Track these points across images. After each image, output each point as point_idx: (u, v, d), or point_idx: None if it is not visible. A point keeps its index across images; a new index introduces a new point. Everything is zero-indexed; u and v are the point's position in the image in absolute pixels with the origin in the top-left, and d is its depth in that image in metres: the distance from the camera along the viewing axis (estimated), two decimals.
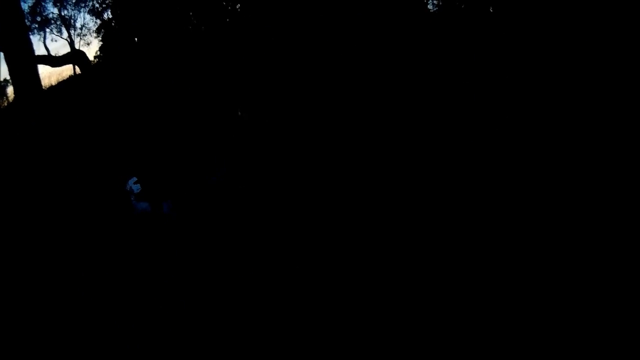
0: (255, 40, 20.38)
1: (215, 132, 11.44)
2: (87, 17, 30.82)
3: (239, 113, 14.05)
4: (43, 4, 30.92)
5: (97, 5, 30.07)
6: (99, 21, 29.67)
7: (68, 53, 29.18)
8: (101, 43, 29.44)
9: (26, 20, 28.15)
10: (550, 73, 10.66)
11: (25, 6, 29.96)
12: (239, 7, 27.02)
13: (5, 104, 30.66)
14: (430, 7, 17.75)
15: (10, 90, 31.68)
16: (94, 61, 29.51)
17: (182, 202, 6.90)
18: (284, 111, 12.74)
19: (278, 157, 8.84)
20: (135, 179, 8.21)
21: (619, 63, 9.97)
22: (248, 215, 6.36)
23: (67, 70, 30.89)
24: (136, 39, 29.48)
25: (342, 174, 7.73)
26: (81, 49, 28.24)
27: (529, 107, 9.26)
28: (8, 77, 27.96)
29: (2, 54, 19.06)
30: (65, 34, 31.81)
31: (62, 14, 30.92)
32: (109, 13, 30.10)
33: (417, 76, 12.63)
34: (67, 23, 30.84)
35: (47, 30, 31.24)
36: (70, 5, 30.72)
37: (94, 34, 30.66)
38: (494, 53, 12.79)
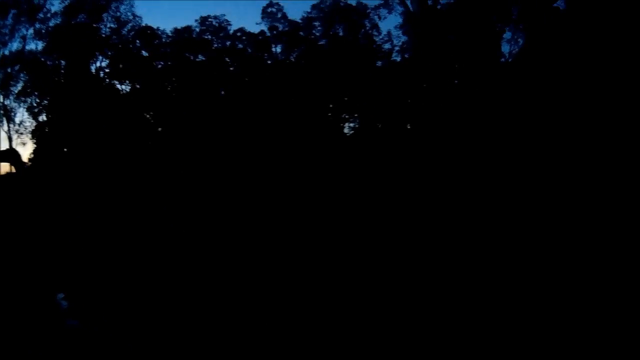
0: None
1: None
2: (26, 114, 30.83)
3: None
4: None
5: (34, 104, 31.58)
6: (34, 122, 31.23)
7: (4, 150, 29.95)
8: (35, 146, 30.73)
9: None
10: None
11: None
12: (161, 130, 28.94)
13: None
14: None
15: None
16: (27, 163, 30.73)
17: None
18: None
19: None
20: (62, 294, 7.91)
21: None
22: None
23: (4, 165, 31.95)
24: (65, 149, 30.34)
25: None
26: (17, 147, 31.41)
27: None
28: None
29: None
30: (5, 127, 32.02)
31: (6, 103, 31.86)
32: (44, 116, 31.55)
33: None
34: (8, 115, 31.94)
35: None
36: (12, 96, 31.85)
37: (29, 135, 31.59)
38: None
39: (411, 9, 29.00)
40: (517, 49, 27.81)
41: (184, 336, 5.44)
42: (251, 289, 7.26)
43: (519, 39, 28.38)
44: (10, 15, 32.94)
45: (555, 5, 22.25)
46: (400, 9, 29.13)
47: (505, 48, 30.04)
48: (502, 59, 27.41)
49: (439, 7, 28.51)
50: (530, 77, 20.88)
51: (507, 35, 26.42)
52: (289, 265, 8.50)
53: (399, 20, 30.25)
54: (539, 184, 13.78)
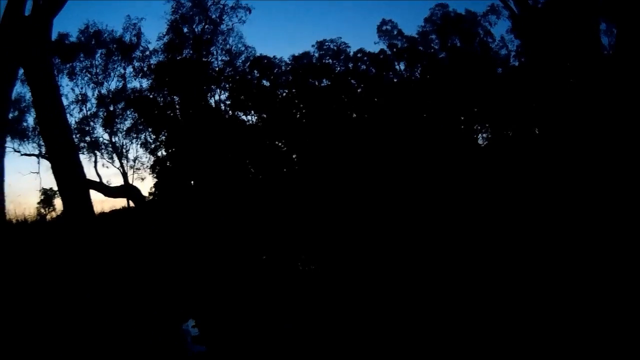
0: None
1: None
2: (140, 150, 31.84)
3: None
4: (92, 124, 31.27)
5: (149, 140, 31.06)
6: (151, 157, 30.75)
7: (122, 186, 29.93)
8: (156, 180, 30.19)
9: (75, 137, 27.36)
10: None
11: (72, 120, 29.45)
12: (295, 157, 29.06)
13: (53, 214, 30.58)
14: None
15: (56, 201, 30.96)
16: (148, 197, 30.19)
17: None
18: None
19: None
20: (192, 321, 8.35)
21: None
22: None
23: (120, 200, 30.76)
24: (192, 182, 29.91)
25: None
26: (135, 182, 30.43)
27: None
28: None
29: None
30: (117, 163, 30.98)
31: (113, 140, 31.28)
32: (163, 151, 30.89)
33: None
34: (119, 152, 31.39)
35: (98, 154, 31.32)
36: (120, 132, 31.34)
37: (148, 170, 30.92)
38: None
39: (516, 11, 29.80)
40: (613, 40, 28.68)
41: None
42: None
43: (613, 29, 29.13)
44: (98, 55, 32.56)
45: None
46: (506, 12, 29.97)
47: (605, 40, 30.66)
48: (605, 52, 28.21)
49: (539, 5, 29.27)
50: (630, 69, 21.50)
51: (603, 26, 26.97)
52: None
53: (508, 24, 31.01)
54: None
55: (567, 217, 11.02)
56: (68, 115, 25.53)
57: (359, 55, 29.49)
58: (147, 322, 8.21)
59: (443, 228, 13.91)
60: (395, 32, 29.80)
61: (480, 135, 29.25)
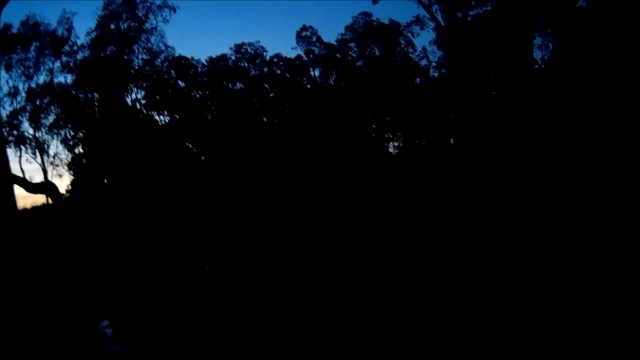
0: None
1: None
2: (60, 146, 32.26)
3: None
4: (20, 118, 31.71)
5: (69, 137, 31.65)
6: (70, 154, 31.26)
7: (42, 183, 30.40)
8: (72, 178, 30.69)
9: (4, 131, 27.55)
10: None
11: (3, 113, 30.34)
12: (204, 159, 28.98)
13: None
14: None
15: None
16: (65, 194, 30.41)
17: None
18: None
19: None
20: (107, 322, 8.33)
21: None
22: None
23: (40, 196, 32.50)
24: (105, 180, 30.35)
25: None
26: (53, 179, 31.99)
27: None
28: None
29: None
30: (39, 159, 32.21)
31: (37, 135, 31.86)
32: (80, 149, 31.38)
33: None
34: (41, 147, 32.11)
35: (23, 149, 32.16)
36: (44, 128, 31.89)
37: (66, 167, 31.78)
38: None
39: (442, 23, 29.28)
40: (548, 54, 28.19)
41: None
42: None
43: (549, 44, 28.61)
44: (33, 47, 32.69)
45: (578, 5, 22.90)
46: (431, 24, 29.50)
47: (537, 54, 30.34)
48: (536, 66, 27.77)
49: (469, 19, 28.79)
50: (563, 82, 21.43)
51: (538, 41, 26.62)
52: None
53: (433, 35, 30.50)
54: (581, 189, 14.10)
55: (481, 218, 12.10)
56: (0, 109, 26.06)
57: (275, 60, 29.30)
58: (63, 320, 8.37)
59: (344, 231, 14.63)
60: (315, 39, 29.50)
61: (391, 143, 28.81)
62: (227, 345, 6.54)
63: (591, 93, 18.82)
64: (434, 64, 29.78)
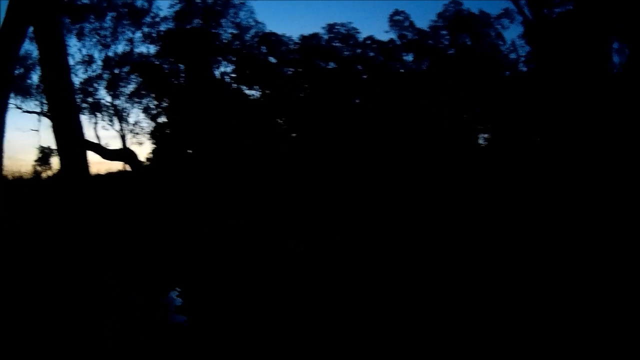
0: None
1: None
2: (141, 115, 32.64)
3: None
4: (96, 85, 31.41)
5: (151, 106, 31.38)
6: (152, 123, 30.87)
7: (120, 149, 30.43)
8: (154, 146, 30.38)
9: (77, 98, 27.44)
10: None
11: (76, 81, 29.37)
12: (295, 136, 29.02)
13: (49, 173, 30.88)
14: None
15: (54, 160, 31.50)
16: (144, 162, 30.09)
17: None
18: None
19: None
20: (176, 292, 8.55)
21: None
22: None
23: (116, 163, 30.66)
24: (190, 151, 29.95)
25: None
26: (132, 147, 31.86)
27: None
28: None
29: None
30: (117, 126, 31.99)
31: (115, 103, 31.71)
32: (164, 118, 30.99)
33: None
34: (120, 115, 32.05)
35: (99, 116, 31.97)
36: (123, 97, 31.69)
37: (147, 136, 31.39)
38: None
39: (529, 17, 29.58)
40: (625, 60, 28.80)
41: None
42: None
43: (625, 49, 29.22)
44: (108, 17, 32.34)
45: None
46: (519, 18, 29.77)
47: (616, 58, 30.81)
48: (614, 70, 28.35)
49: (554, 16, 29.11)
50: (634, 89, 21.97)
51: (615, 45, 27.05)
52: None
53: (521, 29, 30.81)
54: None
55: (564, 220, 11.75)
56: (73, 76, 25.62)
57: (367, 42, 29.41)
58: (133, 290, 8.59)
59: (434, 225, 14.38)
60: (407, 24, 29.66)
61: (481, 135, 29.34)
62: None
63: None
64: (522, 58, 30.15)
